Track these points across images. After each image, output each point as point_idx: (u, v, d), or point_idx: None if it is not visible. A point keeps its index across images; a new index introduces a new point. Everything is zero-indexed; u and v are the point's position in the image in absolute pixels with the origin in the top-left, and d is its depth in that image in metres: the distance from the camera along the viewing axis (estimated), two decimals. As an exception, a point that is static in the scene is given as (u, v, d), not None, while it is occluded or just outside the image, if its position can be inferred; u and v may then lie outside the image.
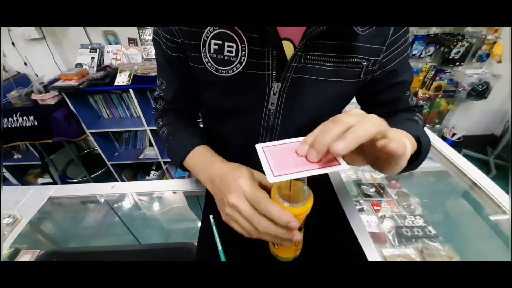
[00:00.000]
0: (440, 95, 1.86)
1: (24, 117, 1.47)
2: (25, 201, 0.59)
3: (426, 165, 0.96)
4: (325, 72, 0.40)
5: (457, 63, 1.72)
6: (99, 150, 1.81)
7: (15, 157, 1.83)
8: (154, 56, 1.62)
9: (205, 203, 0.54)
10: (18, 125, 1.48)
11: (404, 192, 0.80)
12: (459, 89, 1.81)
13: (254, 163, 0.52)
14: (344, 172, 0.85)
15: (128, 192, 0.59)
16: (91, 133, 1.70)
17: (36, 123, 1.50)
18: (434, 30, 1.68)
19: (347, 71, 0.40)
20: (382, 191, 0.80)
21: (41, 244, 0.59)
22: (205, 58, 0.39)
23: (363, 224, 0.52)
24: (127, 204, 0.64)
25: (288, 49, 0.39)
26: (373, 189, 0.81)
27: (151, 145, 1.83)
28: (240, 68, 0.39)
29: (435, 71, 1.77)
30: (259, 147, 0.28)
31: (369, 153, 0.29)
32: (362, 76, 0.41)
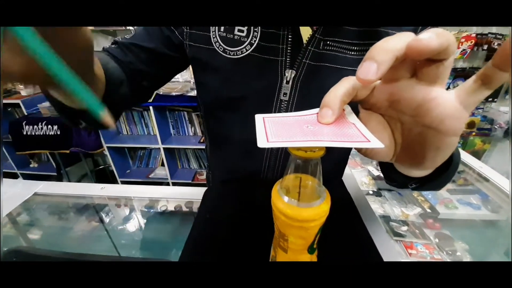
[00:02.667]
0: (473, 133, 1.70)
1: (49, 126, 1.54)
2: (11, 194, 0.54)
3: (470, 211, 0.80)
4: (348, 61, 0.34)
5: (490, 99, 1.61)
6: (113, 166, 1.81)
7: (31, 165, 1.89)
8: (178, 79, 1.72)
9: (199, 210, 0.44)
10: (41, 133, 1.55)
11: (446, 235, 0.64)
12: (495, 127, 1.65)
13: (259, 165, 0.44)
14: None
15: (118, 196, 0.52)
16: (108, 147, 1.73)
17: (58, 133, 1.55)
18: (461, 64, 1.62)
19: None
20: (417, 231, 0.65)
21: (12, 240, 0.52)
22: (213, 38, 0.36)
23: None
24: (115, 208, 0.57)
25: (306, 33, 0.34)
26: (405, 228, 0.67)
27: (162, 164, 1.81)
28: (250, 50, 0.35)
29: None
30: (259, 117, 0.20)
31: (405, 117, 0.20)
32: None
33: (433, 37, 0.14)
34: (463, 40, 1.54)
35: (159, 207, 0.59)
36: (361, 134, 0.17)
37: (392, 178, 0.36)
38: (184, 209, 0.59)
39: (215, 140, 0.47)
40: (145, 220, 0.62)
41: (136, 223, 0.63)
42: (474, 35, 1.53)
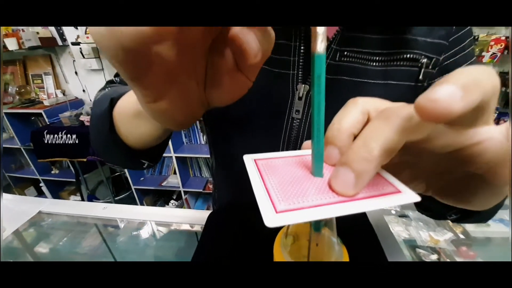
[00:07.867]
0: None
1: (68, 135, 1.59)
2: (16, 211, 0.54)
3: (503, 229, 0.70)
4: (369, 73, 0.30)
5: (529, 110, 1.47)
6: (127, 173, 1.84)
7: (53, 172, 1.96)
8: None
9: (201, 237, 0.41)
10: (61, 142, 1.60)
11: (484, 267, 0.56)
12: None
13: None
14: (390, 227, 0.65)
15: (117, 217, 0.50)
16: (122, 155, 1.76)
17: (77, 142, 1.60)
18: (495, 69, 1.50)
19: (400, 71, 0.30)
20: (449, 261, 0.58)
21: (17, 256, 0.51)
22: None
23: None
24: (118, 230, 0.55)
25: None
26: (434, 256, 0.59)
27: (175, 173, 1.81)
28: None
29: (498, 114, 1.52)
30: (248, 158, 0.16)
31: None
32: (421, 78, 0.31)
33: (457, 96, 0.09)
34: (492, 43, 1.43)
35: (165, 228, 0.57)
36: (387, 182, 0.13)
37: (426, 206, 0.31)
38: (192, 229, 0.56)
39: (221, 158, 0.44)
40: (150, 240, 0.60)
41: (141, 242, 0.61)
42: (504, 37, 1.41)
